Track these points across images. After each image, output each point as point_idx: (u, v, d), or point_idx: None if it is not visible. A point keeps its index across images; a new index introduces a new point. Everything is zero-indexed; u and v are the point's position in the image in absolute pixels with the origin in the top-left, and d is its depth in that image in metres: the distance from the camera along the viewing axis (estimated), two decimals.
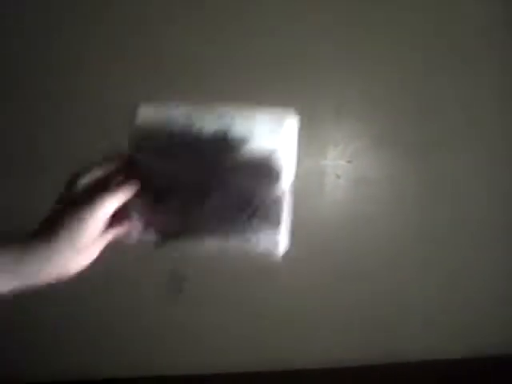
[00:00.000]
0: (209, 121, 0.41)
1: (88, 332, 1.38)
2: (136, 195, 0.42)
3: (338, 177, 1.27)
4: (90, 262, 0.42)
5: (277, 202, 0.41)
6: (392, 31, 1.33)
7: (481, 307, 1.41)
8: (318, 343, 1.38)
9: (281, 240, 0.42)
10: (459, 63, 1.35)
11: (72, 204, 0.40)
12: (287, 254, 0.43)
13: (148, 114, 0.42)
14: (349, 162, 1.28)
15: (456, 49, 1.35)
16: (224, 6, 1.26)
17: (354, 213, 1.33)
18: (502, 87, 1.37)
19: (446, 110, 1.36)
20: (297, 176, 0.42)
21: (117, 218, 0.42)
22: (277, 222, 0.41)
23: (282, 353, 1.38)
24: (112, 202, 0.40)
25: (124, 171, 0.42)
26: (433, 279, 1.41)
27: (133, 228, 0.42)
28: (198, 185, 0.41)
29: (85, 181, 0.41)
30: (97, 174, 0.42)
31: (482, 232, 1.41)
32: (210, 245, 0.42)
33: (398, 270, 1.40)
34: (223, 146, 0.41)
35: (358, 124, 1.30)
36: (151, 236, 0.43)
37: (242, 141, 0.41)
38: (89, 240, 0.40)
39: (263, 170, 0.41)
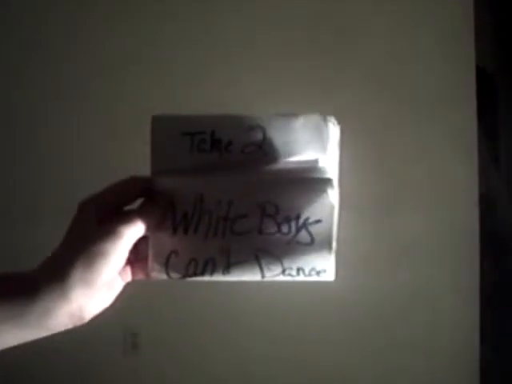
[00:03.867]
0: (239, 133, 0.36)
1: None
2: (158, 224, 0.35)
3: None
4: (107, 305, 0.34)
5: (327, 218, 0.35)
6: (352, 100, 1.40)
7: (440, 364, 1.42)
8: None
9: (332, 260, 0.36)
10: (415, 127, 1.43)
11: (85, 237, 0.33)
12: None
13: (167, 126, 0.36)
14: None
15: (412, 112, 1.44)
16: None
17: None
18: (457, 151, 1.45)
19: (404, 173, 1.44)
20: None
21: (137, 251, 0.35)
22: (327, 242, 0.36)
23: None
24: (131, 234, 0.34)
25: (144, 196, 0.36)
26: (390, 343, 1.44)
27: (155, 263, 0.36)
28: (230, 205, 0.36)
29: (99, 209, 0.34)
30: (113, 200, 0.35)
31: (440, 293, 1.45)
32: (245, 274, 0.36)
33: (351, 331, 1.41)
34: (261, 157, 0.35)
35: None
36: (177, 270, 0.36)
37: (281, 149, 0.36)
38: (106, 279, 0.33)
39: (309, 182, 0.35)
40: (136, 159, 0.45)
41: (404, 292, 1.42)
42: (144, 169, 0.37)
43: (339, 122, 0.36)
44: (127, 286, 0.37)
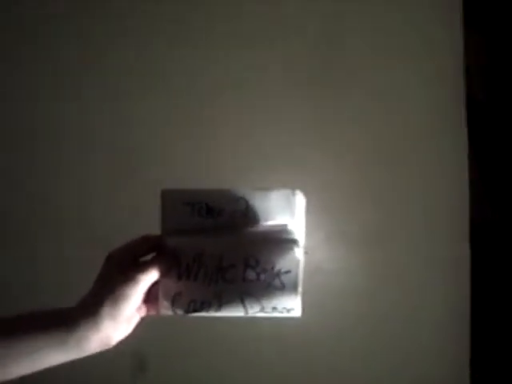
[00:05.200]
0: (228, 202, 0.47)
1: None
2: (166, 272, 0.47)
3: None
4: (127, 333, 0.46)
5: (294, 269, 0.47)
6: (340, 131, 1.45)
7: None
8: None
9: (298, 302, 0.47)
10: (402, 159, 1.46)
11: (110, 283, 0.44)
12: None
13: (173, 198, 0.48)
14: (306, 252, 1.36)
15: (400, 147, 1.47)
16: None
17: (308, 302, 1.40)
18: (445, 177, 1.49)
19: (392, 203, 1.47)
20: None
21: (150, 292, 0.47)
22: (294, 288, 0.47)
23: None
24: (146, 280, 0.45)
25: (155, 251, 0.47)
26: (379, 368, 1.48)
27: (164, 302, 0.47)
28: (221, 258, 0.47)
29: (121, 260, 0.46)
30: (132, 253, 0.47)
31: (431, 322, 1.50)
32: (232, 311, 0.47)
33: (344, 357, 1.46)
34: (244, 221, 0.47)
35: (314, 219, 1.38)
36: (180, 308, 0.47)
37: (259, 216, 0.47)
38: (127, 314, 0.44)
39: (280, 241, 0.47)
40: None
41: (393, 315, 1.46)
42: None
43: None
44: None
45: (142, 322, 0.50)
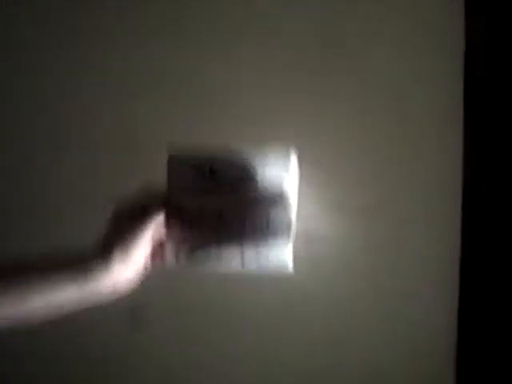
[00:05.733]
0: (228, 162, 0.52)
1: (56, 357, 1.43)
2: (171, 225, 0.51)
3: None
4: (138, 279, 0.50)
5: (287, 221, 0.51)
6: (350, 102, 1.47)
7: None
8: None
9: (289, 254, 0.52)
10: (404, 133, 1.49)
11: (122, 230, 0.49)
12: None
13: (178, 161, 0.52)
14: (303, 221, 1.41)
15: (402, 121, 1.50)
16: None
17: (304, 268, 1.45)
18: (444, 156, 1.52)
19: (390, 176, 1.51)
20: None
21: (155, 247, 0.52)
22: (286, 239, 0.52)
23: None
24: (154, 229, 0.50)
25: (161, 205, 0.52)
26: (374, 338, 1.53)
27: (168, 252, 0.52)
28: (221, 213, 0.52)
29: (131, 210, 0.50)
30: (140, 203, 0.51)
31: (423, 295, 1.54)
32: (231, 261, 0.52)
33: (338, 325, 1.52)
34: (243, 180, 0.51)
35: (313, 189, 1.43)
36: (183, 258, 0.52)
37: (257, 175, 0.51)
38: (136, 260, 0.49)
39: (275, 197, 0.51)
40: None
41: (386, 290, 1.50)
42: None
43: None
44: None
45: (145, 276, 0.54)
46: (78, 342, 1.44)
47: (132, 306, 1.40)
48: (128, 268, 0.49)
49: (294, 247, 0.53)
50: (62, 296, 0.49)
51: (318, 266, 1.46)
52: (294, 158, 0.52)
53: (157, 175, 0.53)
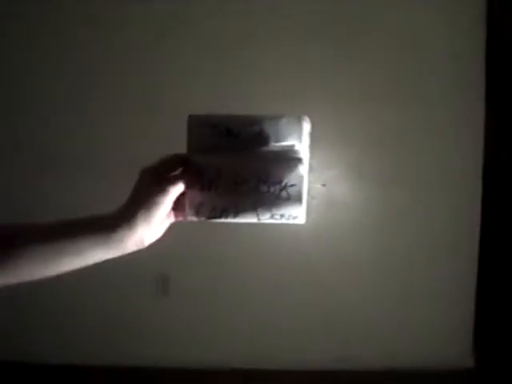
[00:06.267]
0: (245, 126, 0.55)
1: (84, 322, 1.52)
2: (191, 185, 0.55)
3: (313, 198, 1.42)
4: (159, 236, 0.55)
5: (299, 182, 0.55)
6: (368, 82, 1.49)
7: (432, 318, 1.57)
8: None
9: (303, 211, 0.56)
10: (425, 110, 1.50)
11: (145, 193, 0.53)
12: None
13: (198, 121, 0.56)
14: (323, 185, 1.44)
15: (423, 97, 1.50)
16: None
17: (324, 232, 1.49)
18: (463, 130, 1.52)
19: (414, 146, 1.52)
20: None
21: (178, 202, 0.56)
22: (299, 198, 0.55)
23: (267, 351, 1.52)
24: (175, 191, 0.54)
25: (182, 166, 0.56)
26: (389, 296, 1.57)
27: (189, 209, 0.56)
28: (238, 173, 0.56)
29: (154, 174, 0.55)
30: (163, 168, 0.55)
31: (438, 257, 1.57)
32: (247, 217, 0.56)
33: (359, 285, 1.56)
34: (258, 142, 0.55)
35: (333, 154, 1.46)
36: (203, 214, 0.56)
37: (271, 138, 0.55)
38: (159, 219, 0.54)
39: (288, 159, 0.55)
40: None
41: (402, 253, 1.54)
42: None
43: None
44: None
45: (166, 243, 0.59)
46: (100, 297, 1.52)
47: (157, 274, 1.48)
48: (151, 227, 0.54)
49: (313, 211, 0.57)
50: (92, 256, 0.54)
51: (336, 229, 1.50)
52: (306, 124, 0.55)
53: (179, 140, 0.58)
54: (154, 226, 0.54)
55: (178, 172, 0.56)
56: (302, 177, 0.55)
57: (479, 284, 1.58)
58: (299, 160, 0.55)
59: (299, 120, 0.55)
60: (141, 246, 0.55)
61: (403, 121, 1.47)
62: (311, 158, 0.56)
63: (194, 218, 0.56)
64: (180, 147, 0.57)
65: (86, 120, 1.50)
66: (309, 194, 0.57)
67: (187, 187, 0.55)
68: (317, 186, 1.42)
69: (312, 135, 0.57)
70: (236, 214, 0.56)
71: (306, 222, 0.56)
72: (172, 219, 0.58)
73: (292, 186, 0.55)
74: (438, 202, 1.53)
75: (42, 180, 1.51)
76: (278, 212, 0.56)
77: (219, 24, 1.43)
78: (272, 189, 0.55)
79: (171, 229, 0.59)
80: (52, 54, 1.50)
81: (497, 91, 1.51)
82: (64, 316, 1.52)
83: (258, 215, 0.56)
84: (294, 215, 0.56)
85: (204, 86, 1.45)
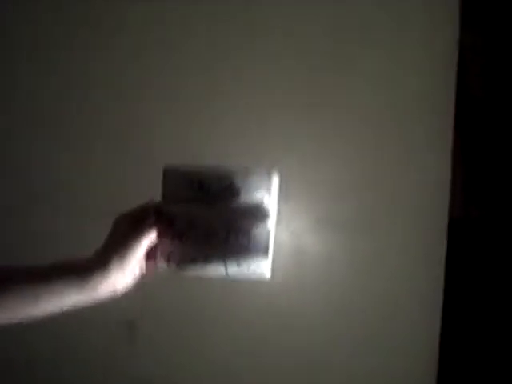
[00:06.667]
0: (217, 178, 0.58)
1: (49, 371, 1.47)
2: (163, 233, 0.58)
3: (280, 247, 1.43)
4: (132, 283, 0.57)
5: (266, 236, 0.58)
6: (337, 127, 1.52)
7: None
8: None
9: (268, 264, 0.58)
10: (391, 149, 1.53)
11: (119, 239, 0.55)
12: None
13: (173, 173, 0.59)
14: (291, 234, 1.46)
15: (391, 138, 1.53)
16: None
17: (291, 280, 1.50)
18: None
19: (383, 195, 1.55)
20: None
21: (149, 251, 0.58)
22: (266, 253, 0.58)
23: None
24: (148, 238, 0.56)
25: (155, 216, 0.58)
26: (357, 347, 1.56)
27: (160, 258, 0.58)
28: (208, 225, 0.58)
29: (128, 221, 0.57)
30: (137, 216, 0.57)
31: (409, 308, 1.58)
32: (215, 269, 0.58)
33: (327, 336, 1.55)
34: (229, 195, 0.58)
35: (301, 203, 1.48)
36: (174, 263, 0.58)
37: (241, 191, 0.58)
38: (132, 265, 0.55)
39: (257, 212, 0.58)
40: None
41: (372, 302, 1.54)
42: None
43: None
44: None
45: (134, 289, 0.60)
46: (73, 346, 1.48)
47: (126, 319, 1.46)
48: (125, 274, 0.55)
49: (281, 260, 0.59)
50: (66, 300, 0.55)
51: (305, 279, 1.51)
52: (275, 178, 0.58)
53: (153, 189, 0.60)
54: (127, 272, 0.55)
55: (151, 220, 0.58)
56: (269, 230, 0.58)
57: (442, 336, 1.60)
58: (268, 214, 0.58)
59: (268, 174, 0.58)
60: (113, 293, 0.56)
61: (372, 169, 1.50)
62: (279, 208, 0.59)
63: (164, 267, 0.58)
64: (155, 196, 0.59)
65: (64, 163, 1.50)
66: (276, 243, 0.59)
67: (159, 236, 0.57)
68: (285, 234, 1.45)
69: (280, 184, 0.60)
70: (205, 265, 0.58)
71: (274, 272, 0.58)
72: (143, 269, 0.59)
73: (260, 238, 0.58)
74: (406, 252, 1.55)
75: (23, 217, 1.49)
76: (245, 264, 0.58)
77: (181, 81, 1.46)
78: (241, 241, 0.58)
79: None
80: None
81: (466, 145, 1.56)
82: (25, 365, 1.48)
83: (226, 267, 0.58)
84: (261, 269, 0.58)
85: (171, 138, 1.46)
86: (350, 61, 1.48)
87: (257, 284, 1.43)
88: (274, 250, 0.59)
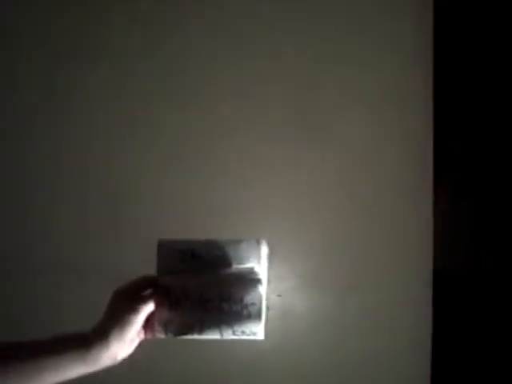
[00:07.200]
0: (208, 249, 0.62)
1: None
2: (160, 304, 0.61)
3: (269, 309, 1.45)
4: (130, 352, 0.59)
5: (258, 301, 0.61)
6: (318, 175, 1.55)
7: None
8: None
9: (262, 327, 0.61)
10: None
11: (118, 312, 0.59)
12: None
13: (166, 246, 0.63)
14: (278, 296, 1.48)
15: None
16: None
17: (279, 342, 1.51)
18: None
19: (369, 253, 1.58)
20: None
21: (147, 320, 0.61)
22: (259, 316, 0.61)
23: None
24: (145, 310, 0.59)
25: (152, 287, 0.62)
26: None
27: (158, 327, 0.61)
28: (202, 293, 0.61)
29: (126, 294, 0.60)
30: (134, 289, 0.61)
31: (397, 367, 1.58)
32: (211, 334, 0.61)
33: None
34: (221, 264, 0.62)
35: (288, 264, 1.51)
36: (171, 331, 0.61)
37: (233, 261, 0.62)
38: (131, 336, 0.58)
39: (248, 280, 0.61)
40: None
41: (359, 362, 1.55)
42: None
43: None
44: None
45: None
46: None
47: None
48: (125, 345, 0.58)
49: (270, 321, 0.63)
50: (70, 371, 0.57)
51: (292, 340, 1.52)
52: (264, 248, 0.63)
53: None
54: (126, 342, 0.58)
55: (148, 292, 0.62)
56: (261, 296, 0.62)
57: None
58: (258, 281, 0.62)
59: (258, 244, 0.63)
60: (114, 362, 0.59)
61: (357, 229, 1.54)
62: (268, 269, 0.63)
63: (162, 335, 0.61)
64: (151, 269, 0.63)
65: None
66: (265, 305, 0.63)
67: (156, 306, 0.61)
68: (273, 296, 1.47)
69: (268, 246, 0.64)
70: (201, 331, 0.61)
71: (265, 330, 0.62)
72: (142, 336, 0.62)
73: (252, 304, 0.61)
74: (394, 309, 1.56)
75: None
76: (239, 329, 0.61)
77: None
78: (234, 307, 0.61)
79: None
80: None
81: (446, 199, 1.61)
82: None
83: (220, 332, 0.61)
84: (254, 331, 0.61)
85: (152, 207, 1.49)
86: (325, 131, 1.56)
87: (245, 344, 1.44)
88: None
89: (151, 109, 1.48)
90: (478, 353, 1.60)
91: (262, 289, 0.62)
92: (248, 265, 0.62)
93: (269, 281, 0.65)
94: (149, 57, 1.47)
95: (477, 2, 1.66)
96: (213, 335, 0.61)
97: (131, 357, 0.61)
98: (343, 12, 1.51)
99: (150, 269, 0.63)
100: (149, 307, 0.60)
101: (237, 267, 0.62)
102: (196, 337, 0.61)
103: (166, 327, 0.61)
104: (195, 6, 1.50)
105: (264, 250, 0.63)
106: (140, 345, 0.62)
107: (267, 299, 0.63)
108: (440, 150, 1.59)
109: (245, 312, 0.61)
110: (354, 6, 1.52)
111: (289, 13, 1.51)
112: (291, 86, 1.50)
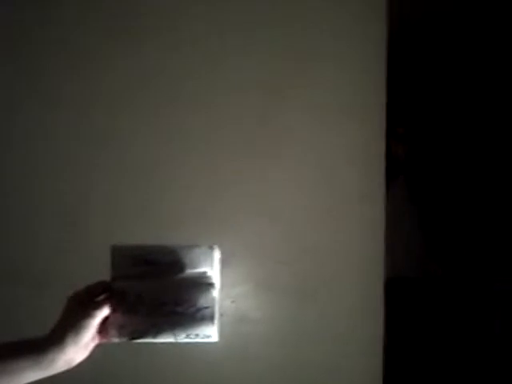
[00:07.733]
0: (162, 255, 0.64)
1: None
2: (114, 308, 0.62)
3: (222, 315, 1.46)
4: (86, 356, 0.61)
5: (211, 304, 0.63)
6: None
7: None
8: None
9: (215, 330, 0.64)
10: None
11: (73, 317, 0.60)
12: None
13: (120, 251, 0.64)
14: (232, 302, 1.50)
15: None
16: None
17: (233, 348, 1.53)
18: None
19: (322, 258, 1.61)
20: None
21: (102, 324, 0.62)
22: (212, 319, 0.63)
23: None
24: (100, 315, 0.61)
25: (107, 292, 0.63)
26: None
27: (113, 331, 0.62)
28: (157, 298, 0.63)
29: (81, 300, 0.61)
30: (89, 294, 0.62)
31: (349, 372, 1.59)
32: (165, 337, 0.63)
33: None
34: (175, 269, 0.63)
35: (242, 271, 1.53)
36: (125, 336, 0.62)
37: (186, 265, 0.64)
38: (86, 340, 0.59)
39: (201, 284, 0.64)
40: None
41: (313, 368, 1.57)
42: None
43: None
44: None
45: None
46: None
47: None
48: (80, 349, 0.60)
49: (223, 327, 0.64)
50: (26, 375, 0.58)
51: (247, 345, 1.53)
52: (216, 253, 0.65)
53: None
54: (81, 347, 0.60)
55: (102, 297, 0.63)
56: (214, 300, 0.64)
57: None
58: (211, 285, 0.64)
59: (211, 249, 0.65)
60: (69, 366, 0.60)
61: (311, 237, 1.56)
62: (221, 278, 0.65)
63: (117, 339, 0.62)
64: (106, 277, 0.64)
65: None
66: (219, 311, 0.65)
67: (111, 311, 0.62)
68: (227, 303, 1.48)
69: (221, 252, 0.66)
70: (155, 335, 0.63)
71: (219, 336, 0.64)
72: (97, 341, 0.63)
73: (205, 308, 0.64)
74: (347, 315, 1.59)
75: None
76: (193, 332, 0.63)
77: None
78: (187, 311, 0.63)
79: None
80: None
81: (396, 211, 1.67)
82: None
83: (175, 335, 0.63)
84: (208, 334, 0.64)
85: (118, 215, 1.49)
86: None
87: (199, 349, 1.45)
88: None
89: (98, 115, 1.47)
90: (429, 358, 1.66)
91: (215, 292, 0.64)
92: (201, 269, 0.64)
93: (222, 286, 0.68)
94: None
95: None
96: (167, 338, 0.63)
97: (87, 360, 0.62)
98: (297, 17, 1.48)
99: (105, 276, 0.65)
100: (104, 312, 0.61)
101: (190, 272, 0.64)
102: (151, 340, 0.63)
103: (120, 331, 0.63)
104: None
105: (217, 255, 0.65)
106: (94, 349, 0.63)
107: (220, 305, 0.65)
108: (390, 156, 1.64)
109: (198, 315, 0.63)
110: (307, 9, 1.53)
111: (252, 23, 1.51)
112: (253, 94, 1.49)
